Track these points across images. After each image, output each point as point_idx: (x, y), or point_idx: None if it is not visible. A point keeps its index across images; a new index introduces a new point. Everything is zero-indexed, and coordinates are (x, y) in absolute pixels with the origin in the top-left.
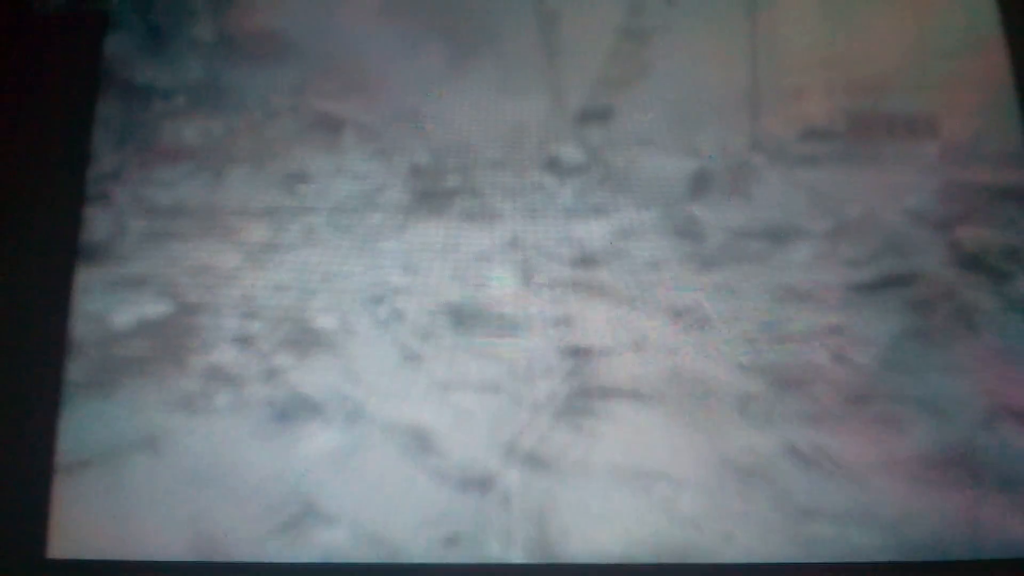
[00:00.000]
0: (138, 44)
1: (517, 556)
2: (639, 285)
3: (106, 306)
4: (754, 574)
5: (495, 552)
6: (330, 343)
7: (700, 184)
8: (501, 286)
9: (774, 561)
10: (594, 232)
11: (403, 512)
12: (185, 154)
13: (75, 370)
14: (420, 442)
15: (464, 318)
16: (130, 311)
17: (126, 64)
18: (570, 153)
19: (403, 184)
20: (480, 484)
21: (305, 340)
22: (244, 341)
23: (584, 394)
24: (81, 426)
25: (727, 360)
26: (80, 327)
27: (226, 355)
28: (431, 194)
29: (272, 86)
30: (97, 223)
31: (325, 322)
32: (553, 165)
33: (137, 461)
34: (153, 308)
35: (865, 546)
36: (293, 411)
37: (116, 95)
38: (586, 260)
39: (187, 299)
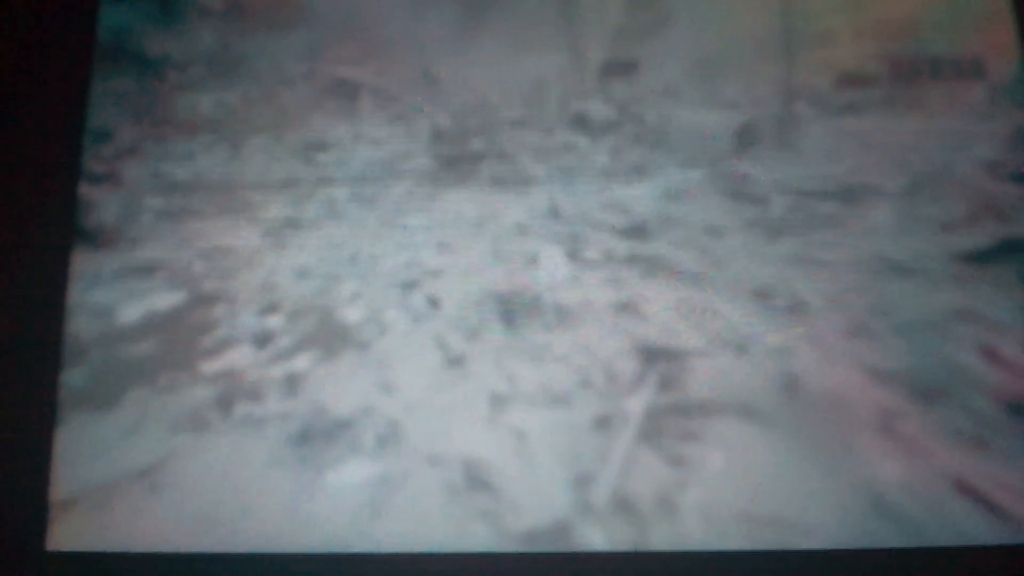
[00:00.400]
0: (148, 15)
1: None
2: (706, 258)
3: (112, 297)
4: None
5: None
6: (359, 342)
7: (744, 138)
8: (549, 266)
9: None
10: (639, 195)
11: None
12: (202, 125)
13: (74, 375)
14: (470, 477)
15: (512, 308)
16: (139, 303)
17: (137, 36)
18: (598, 109)
19: (426, 149)
20: (548, 537)
21: (331, 338)
22: (263, 339)
23: (675, 411)
24: (75, 452)
25: (848, 360)
26: (82, 323)
27: (242, 358)
28: (457, 159)
29: (285, 53)
30: (108, 205)
31: (352, 314)
32: (581, 122)
33: (133, 495)
34: (164, 299)
35: None
36: (316, 432)
37: (129, 69)
38: (637, 229)
39: (201, 288)
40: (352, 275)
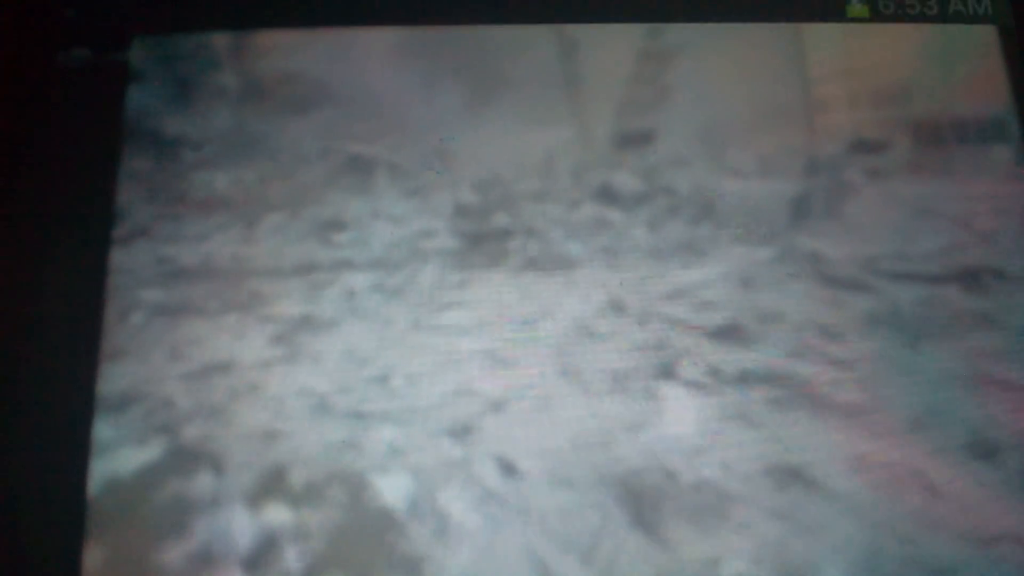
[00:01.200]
0: (163, 95)
1: None
2: (841, 373)
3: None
4: None
5: None
6: (406, 559)
7: (798, 209)
8: (642, 394)
9: None
10: (706, 279)
11: None
12: (217, 204)
13: None
14: None
15: (639, 494)
16: (100, 464)
17: (152, 116)
18: (623, 180)
19: (448, 226)
20: None
21: (363, 551)
22: (258, 559)
23: None
24: None
25: None
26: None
27: None
28: (482, 236)
29: (301, 131)
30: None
31: (391, 494)
32: (607, 195)
33: None
34: (129, 457)
35: None
36: None
37: (144, 148)
38: (729, 330)
39: (183, 436)
40: (384, 413)
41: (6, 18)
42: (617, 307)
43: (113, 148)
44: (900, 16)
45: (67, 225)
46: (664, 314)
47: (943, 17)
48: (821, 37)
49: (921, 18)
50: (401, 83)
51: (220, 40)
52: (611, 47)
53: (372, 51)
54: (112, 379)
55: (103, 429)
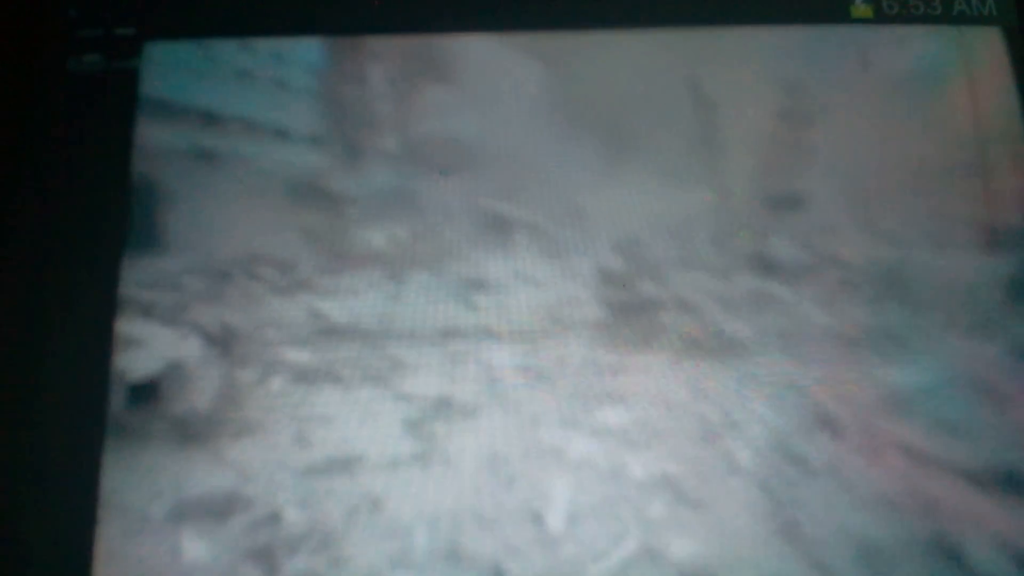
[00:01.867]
0: (333, 156)
1: None
2: None
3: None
4: None
5: None
6: None
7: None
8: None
9: None
10: (930, 387)
11: None
12: (371, 260)
13: None
14: None
15: None
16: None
17: (321, 175)
18: (777, 248)
19: (592, 294)
20: None
21: None
22: None
23: None
24: None
25: None
26: None
27: None
28: (631, 308)
29: (449, 190)
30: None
31: None
32: (763, 265)
33: None
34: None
35: None
36: None
37: (313, 204)
38: (1010, 482)
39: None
40: None
41: (17, 24)
42: (825, 422)
43: (123, 154)
44: (904, 17)
45: (78, 233)
46: (896, 440)
47: (947, 17)
48: (985, 90)
49: (925, 19)
50: (540, 142)
51: (382, 105)
52: (749, 106)
53: (513, 111)
54: (233, 458)
55: (189, 542)
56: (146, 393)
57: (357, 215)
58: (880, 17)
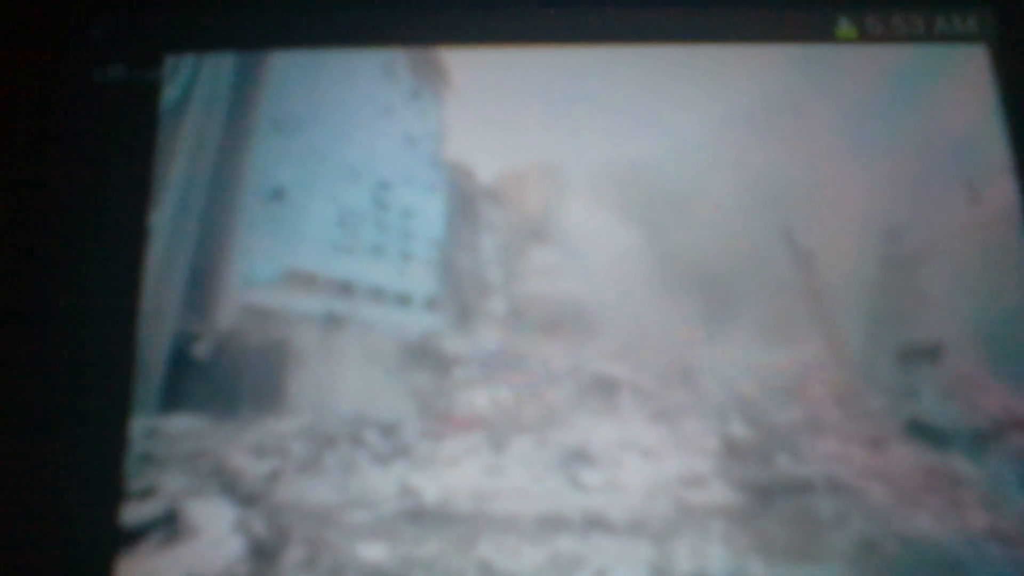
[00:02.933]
0: (448, 320)
1: None
2: None
3: None
4: None
5: None
6: None
7: None
8: None
9: None
10: None
11: None
12: (475, 423)
13: None
14: None
15: None
16: None
17: (437, 338)
18: (934, 411)
19: (716, 467)
20: None
21: None
22: None
23: None
24: None
25: None
26: None
27: None
28: (770, 492)
29: (552, 351)
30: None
31: None
32: (920, 432)
33: None
34: None
35: None
36: None
37: (425, 366)
38: None
39: None
40: None
41: (43, 34)
42: None
43: (146, 162)
44: (888, 36)
45: (101, 241)
46: None
47: (930, 36)
48: None
49: (908, 38)
50: (641, 302)
51: (493, 272)
52: (847, 255)
53: (613, 274)
54: None
55: None
56: None
57: (463, 376)
58: (864, 37)
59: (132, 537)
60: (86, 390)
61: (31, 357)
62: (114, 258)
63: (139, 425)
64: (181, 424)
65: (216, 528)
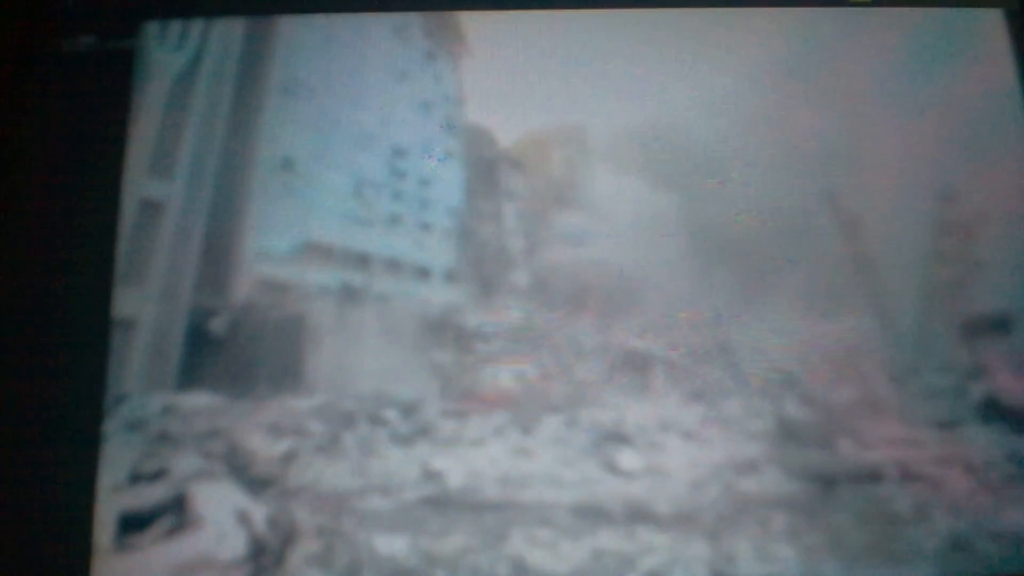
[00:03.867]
0: (466, 293)
1: None
2: None
3: None
4: None
5: None
6: None
7: None
8: None
9: None
10: None
11: None
12: (500, 401)
13: None
14: None
15: None
16: None
17: (456, 311)
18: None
19: (768, 453)
20: None
21: None
22: None
23: None
24: None
25: None
26: None
27: None
28: (836, 479)
29: (580, 327)
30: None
31: None
32: (996, 412)
33: None
34: None
35: None
36: None
37: (447, 342)
38: None
39: None
40: None
41: (13, 4)
42: None
43: (119, 132)
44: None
45: (73, 215)
46: None
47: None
48: None
49: (924, 1)
50: (676, 275)
51: (515, 242)
52: (899, 223)
53: (643, 243)
54: None
55: None
56: None
57: (486, 352)
58: (878, 1)
59: (137, 524)
60: (59, 374)
61: None
62: (87, 232)
63: (155, 402)
64: (198, 401)
65: (222, 519)
